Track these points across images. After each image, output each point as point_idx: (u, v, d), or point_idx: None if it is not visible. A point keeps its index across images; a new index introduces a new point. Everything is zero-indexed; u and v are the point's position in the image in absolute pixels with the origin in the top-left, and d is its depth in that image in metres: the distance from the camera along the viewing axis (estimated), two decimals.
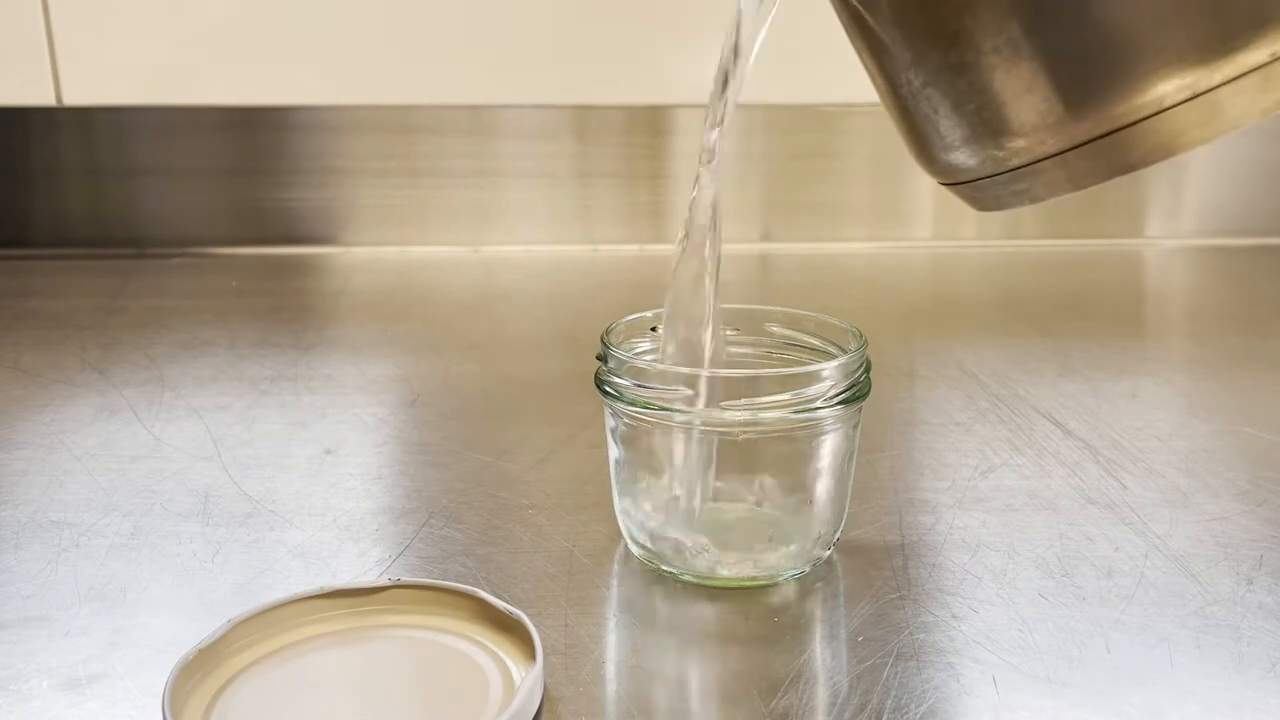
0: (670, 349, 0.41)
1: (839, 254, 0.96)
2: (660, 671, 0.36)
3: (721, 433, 0.39)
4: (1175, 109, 0.28)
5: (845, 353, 0.41)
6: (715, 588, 0.40)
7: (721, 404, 0.39)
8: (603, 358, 0.41)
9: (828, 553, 0.42)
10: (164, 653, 0.36)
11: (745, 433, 0.39)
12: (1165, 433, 0.55)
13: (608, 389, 0.41)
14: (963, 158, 0.32)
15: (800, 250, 0.96)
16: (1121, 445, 0.53)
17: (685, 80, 0.93)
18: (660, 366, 0.40)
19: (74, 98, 0.92)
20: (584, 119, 0.94)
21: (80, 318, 0.76)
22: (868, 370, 0.41)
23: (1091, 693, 0.34)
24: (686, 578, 0.41)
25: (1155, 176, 0.97)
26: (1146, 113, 0.29)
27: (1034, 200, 0.32)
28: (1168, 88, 0.28)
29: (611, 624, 0.39)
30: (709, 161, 0.39)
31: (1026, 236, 0.99)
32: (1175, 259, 0.97)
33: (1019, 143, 0.31)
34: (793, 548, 0.41)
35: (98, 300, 0.81)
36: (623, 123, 0.94)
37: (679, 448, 0.40)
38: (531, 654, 0.34)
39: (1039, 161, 0.31)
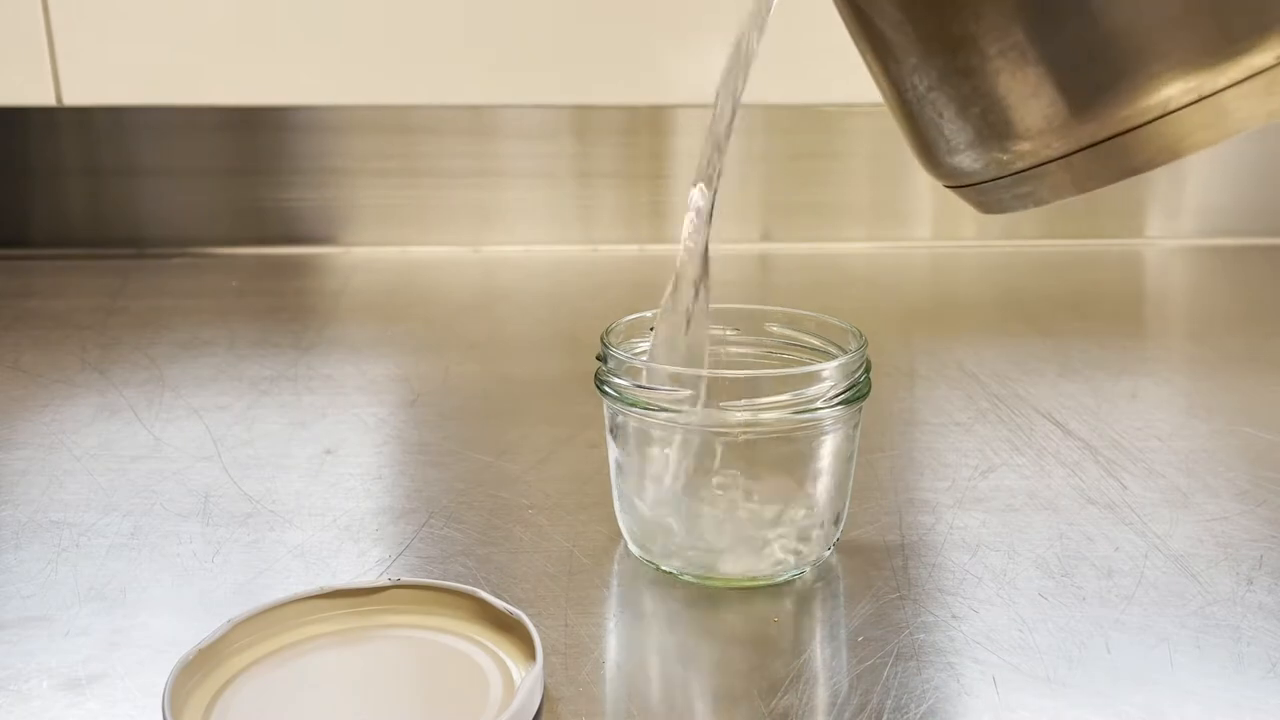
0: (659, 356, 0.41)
1: (839, 254, 0.96)
2: (660, 671, 0.36)
3: (721, 433, 0.39)
4: (1181, 112, 0.28)
5: (845, 353, 0.41)
6: (715, 588, 0.40)
7: (721, 404, 0.39)
8: (602, 358, 0.41)
9: (828, 553, 0.42)
10: (164, 653, 0.36)
11: (745, 433, 0.39)
12: (1165, 433, 0.55)
13: (607, 389, 0.41)
14: (968, 161, 0.32)
15: (800, 250, 0.96)
16: (1121, 445, 0.53)
17: (685, 80, 0.93)
18: (660, 367, 0.40)
19: (74, 98, 0.92)
20: (584, 119, 0.94)
21: (80, 318, 0.76)
22: (868, 370, 0.41)
23: (1091, 693, 0.34)
24: (686, 578, 0.41)
25: (1155, 176, 0.97)
26: (1152, 116, 0.29)
27: (1039, 203, 0.32)
28: (1173, 91, 0.28)
29: (611, 624, 0.39)
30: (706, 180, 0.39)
31: (1026, 236, 0.99)
32: (1175, 259, 0.97)
33: (1024, 146, 0.31)
34: (792, 548, 0.41)
35: (98, 300, 0.81)
36: (623, 123, 0.94)
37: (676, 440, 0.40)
38: (531, 654, 0.34)
39: (1044, 165, 0.31)
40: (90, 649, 0.37)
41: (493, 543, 0.44)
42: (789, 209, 0.97)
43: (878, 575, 0.41)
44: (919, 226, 0.98)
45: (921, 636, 0.37)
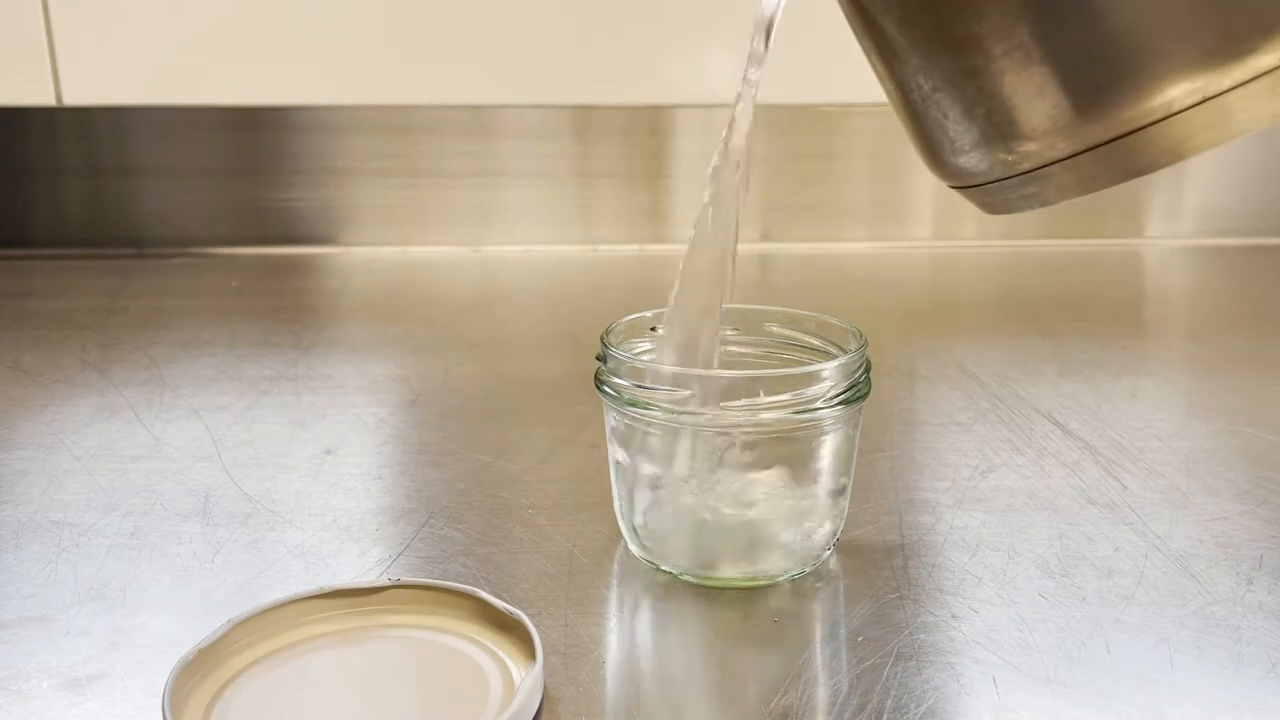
0: (675, 327, 0.40)
1: (839, 254, 0.96)
2: (660, 671, 0.36)
3: (721, 433, 0.39)
4: (1185, 113, 0.28)
5: (845, 353, 0.41)
6: (715, 588, 0.40)
7: (721, 404, 0.39)
8: (602, 358, 0.41)
9: (828, 553, 0.42)
10: (164, 653, 0.36)
11: (745, 433, 0.39)
12: (1165, 433, 0.55)
13: (607, 389, 0.41)
14: (973, 161, 0.33)
15: (800, 250, 0.96)
16: (1121, 445, 0.53)
17: (685, 80, 0.93)
18: (660, 366, 0.40)
19: (74, 98, 0.92)
20: (584, 119, 0.94)
21: (80, 318, 0.76)
22: (868, 370, 0.41)
23: (1091, 693, 0.34)
24: (686, 578, 0.41)
25: (1156, 177, 0.97)
26: (1156, 117, 0.29)
27: (1044, 204, 0.32)
28: (1177, 92, 0.28)
29: (611, 624, 0.39)
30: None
31: (1026, 236, 0.99)
32: (1175, 259, 0.97)
33: (1029, 147, 0.31)
34: (792, 548, 0.41)
35: (98, 300, 0.81)
36: (623, 123, 0.94)
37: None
38: (531, 654, 0.34)
39: (1049, 165, 0.31)
40: (90, 649, 0.37)
41: (493, 543, 0.44)
42: (789, 209, 0.97)
43: (878, 575, 0.41)
44: (919, 226, 0.98)
45: (921, 636, 0.37)
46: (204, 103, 0.93)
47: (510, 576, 0.41)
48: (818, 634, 0.38)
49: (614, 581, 0.41)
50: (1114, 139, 0.29)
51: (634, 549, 0.42)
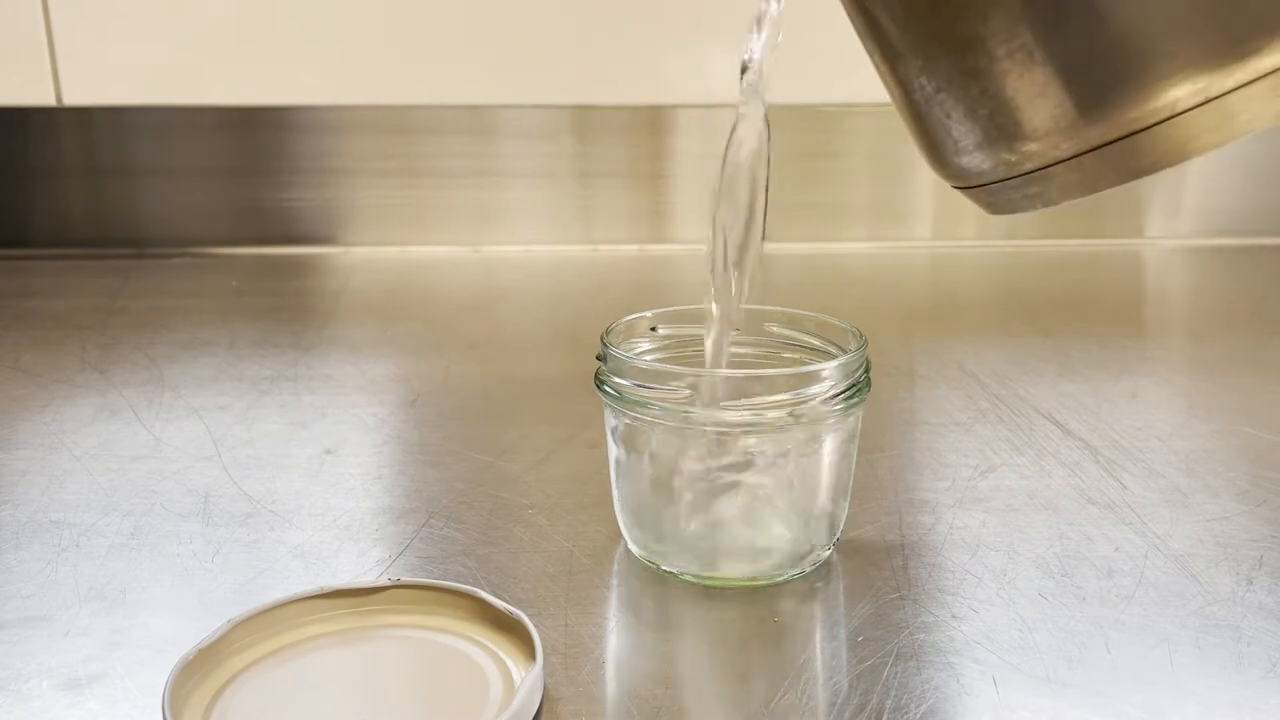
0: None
1: (839, 254, 0.96)
2: (660, 671, 0.36)
3: (721, 433, 0.39)
4: (1187, 114, 0.28)
5: (845, 353, 0.41)
6: (715, 588, 0.40)
7: (721, 404, 0.39)
8: (602, 358, 0.41)
9: (828, 553, 0.42)
10: (164, 653, 0.36)
11: (745, 433, 0.39)
12: (1165, 433, 0.55)
13: (607, 389, 0.41)
14: (976, 162, 0.33)
15: (800, 250, 0.96)
16: (1121, 445, 0.53)
17: (685, 80, 0.93)
18: (659, 366, 0.40)
19: (74, 98, 0.92)
20: (584, 119, 0.94)
21: (80, 318, 0.76)
22: (868, 370, 0.41)
23: (1091, 693, 0.34)
24: (687, 578, 0.41)
25: (1155, 176, 0.97)
26: (1159, 117, 0.29)
27: (1048, 204, 0.32)
28: (1180, 93, 0.28)
29: (611, 624, 0.39)
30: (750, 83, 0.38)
31: (1026, 236, 0.99)
32: (1175, 259, 0.97)
33: (1032, 147, 0.31)
34: (792, 548, 0.41)
35: (98, 300, 0.81)
36: (623, 123, 0.94)
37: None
38: (531, 654, 0.34)
39: (1052, 166, 0.31)
40: (90, 649, 0.37)
41: (493, 543, 0.44)
42: (789, 209, 0.97)
43: (878, 575, 0.41)
44: (919, 226, 0.98)
45: (921, 636, 0.37)
46: (204, 103, 0.93)
47: (510, 576, 0.41)
48: (818, 634, 0.38)
49: (614, 581, 0.41)
50: (1117, 139, 0.29)
51: (634, 549, 0.42)
